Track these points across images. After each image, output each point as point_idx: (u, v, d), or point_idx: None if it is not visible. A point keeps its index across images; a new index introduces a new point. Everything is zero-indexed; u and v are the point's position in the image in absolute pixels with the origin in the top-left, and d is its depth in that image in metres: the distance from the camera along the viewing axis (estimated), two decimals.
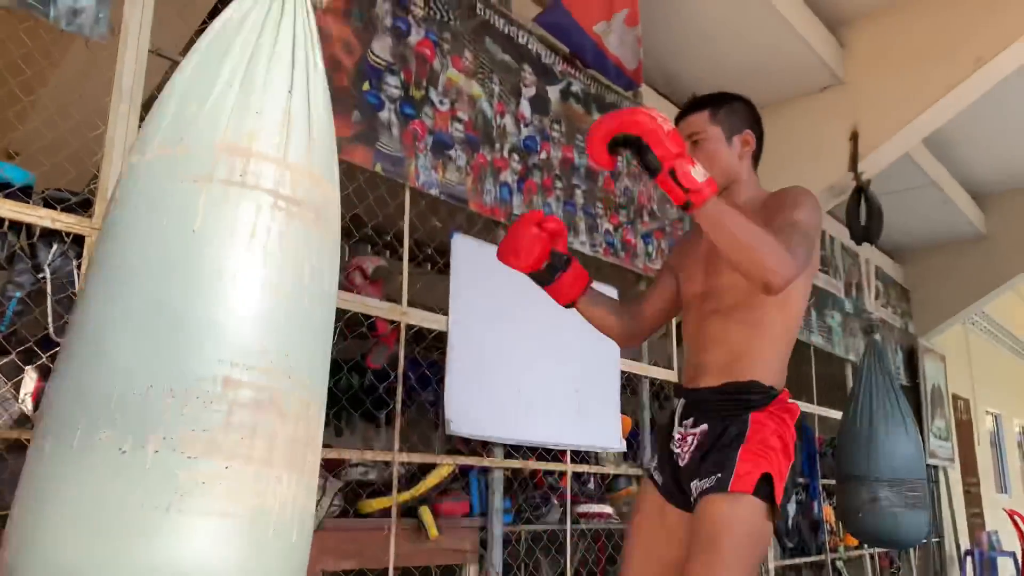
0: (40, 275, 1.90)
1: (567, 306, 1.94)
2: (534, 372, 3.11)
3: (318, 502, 2.40)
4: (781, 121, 4.62)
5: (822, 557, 5.30)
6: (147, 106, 2.12)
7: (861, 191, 4.44)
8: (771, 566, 4.44)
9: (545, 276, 1.87)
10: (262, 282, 1.20)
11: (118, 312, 1.15)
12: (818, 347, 5.58)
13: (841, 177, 4.41)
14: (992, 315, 9.78)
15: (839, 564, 5.62)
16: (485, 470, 2.98)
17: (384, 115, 2.69)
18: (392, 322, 2.72)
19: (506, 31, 3.28)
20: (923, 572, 6.84)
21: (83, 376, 1.13)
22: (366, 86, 2.64)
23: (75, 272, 1.91)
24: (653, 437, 1.97)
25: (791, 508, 5.16)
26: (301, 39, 1.40)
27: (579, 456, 3.35)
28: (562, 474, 3.28)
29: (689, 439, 1.76)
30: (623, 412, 3.56)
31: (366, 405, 2.84)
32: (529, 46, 3.39)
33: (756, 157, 1.93)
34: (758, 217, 1.70)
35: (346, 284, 2.68)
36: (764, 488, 1.60)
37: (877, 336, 4.75)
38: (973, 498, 8.09)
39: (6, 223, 1.81)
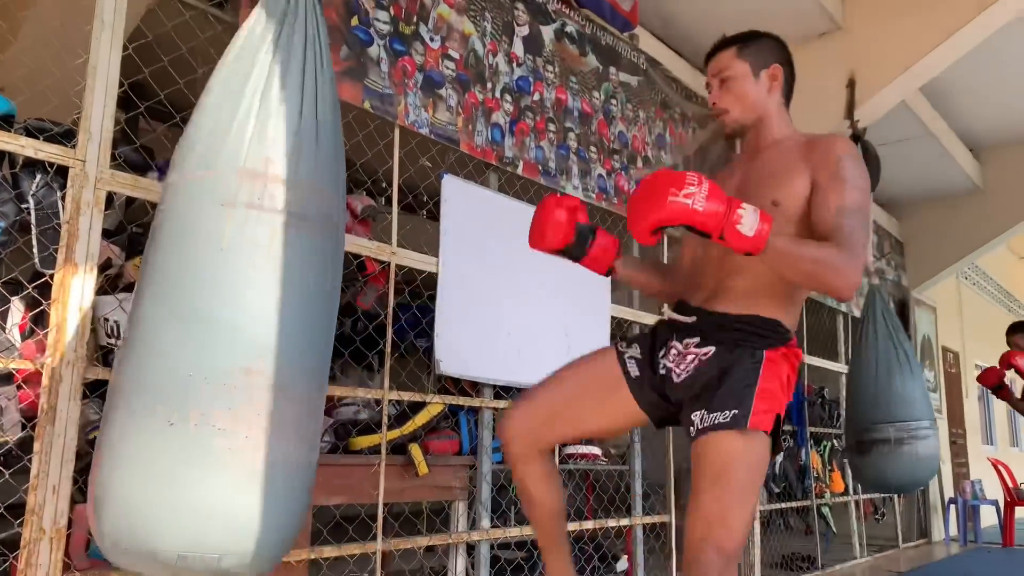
0: (24, 206, 1.88)
1: (607, 274, 1.96)
2: (524, 314, 3.13)
3: None
4: None
5: (807, 502, 5.40)
6: (132, 38, 2.09)
7: (857, 139, 4.39)
8: (756, 509, 4.52)
9: (577, 250, 1.89)
10: (276, 290, 1.52)
11: (165, 315, 1.50)
12: (810, 298, 5.60)
13: (837, 125, 4.37)
14: (984, 269, 9.81)
15: (824, 510, 5.72)
16: (475, 409, 3.01)
17: (373, 51, 2.65)
18: (382, 262, 2.72)
19: None
20: (907, 519, 6.98)
21: (141, 364, 1.49)
22: (355, 21, 2.60)
23: (59, 203, 1.90)
24: (642, 334, 1.95)
25: (778, 455, 5.24)
26: (312, 47, 1.66)
27: None
28: None
29: (690, 357, 1.76)
30: None
31: (356, 344, 2.84)
32: None
33: (788, 93, 1.91)
34: (798, 163, 1.74)
35: None
36: (775, 427, 1.65)
37: (876, 281, 4.76)
38: (959, 448, 8.22)
39: None
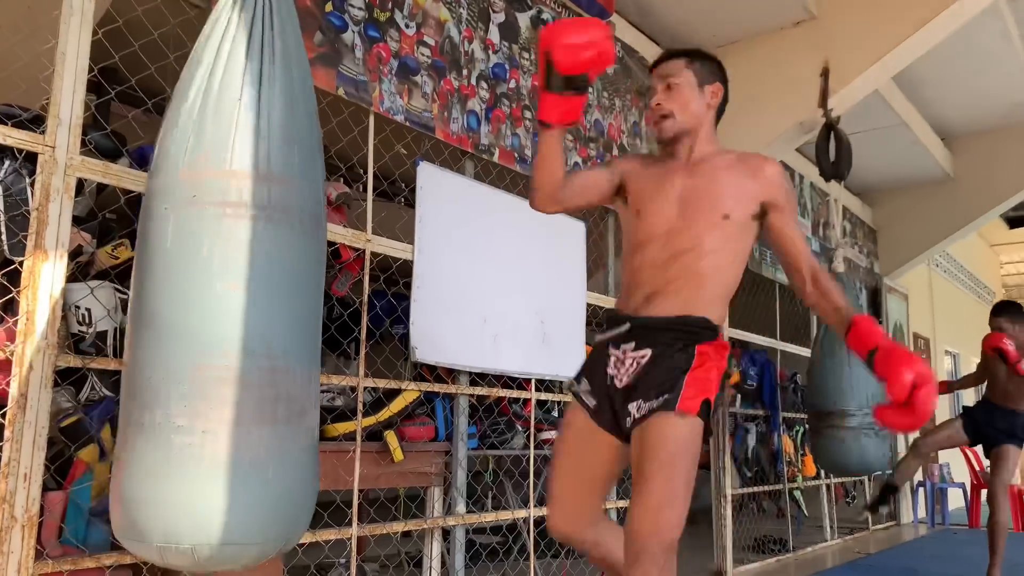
0: None
1: (551, 125, 1.81)
2: (500, 302, 3.14)
3: None
4: (753, 55, 4.60)
5: (780, 486, 5.49)
6: (102, 22, 2.07)
7: (830, 128, 4.44)
8: (728, 493, 4.59)
9: (582, 83, 1.74)
10: (218, 282, 1.53)
11: (134, 324, 1.58)
12: (783, 284, 5.67)
13: (811, 113, 4.41)
14: (955, 256, 9.97)
15: (796, 493, 5.82)
16: (450, 396, 3.03)
17: (348, 37, 2.64)
18: (357, 249, 2.72)
19: None
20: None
21: (126, 373, 1.59)
22: (329, 6, 2.58)
23: (28, 190, 1.88)
24: (586, 361, 1.99)
25: (751, 439, 5.32)
26: (266, 28, 1.63)
27: (543, 384, 3.41)
28: (526, 401, 3.34)
29: (628, 361, 1.84)
30: (589, 344, 3.62)
31: (331, 331, 2.84)
32: None
33: (719, 115, 2.01)
34: (746, 182, 1.88)
35: None
36: (704, 411, 1.74)
37: (839, 266, 4.81)
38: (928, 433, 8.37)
39: None
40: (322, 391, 2.79)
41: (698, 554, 4.82)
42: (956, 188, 7.17)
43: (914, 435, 4.95)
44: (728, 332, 4.78)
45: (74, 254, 2.02)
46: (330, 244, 2.66)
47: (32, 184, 1.87)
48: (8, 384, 1.80)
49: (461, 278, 2.99)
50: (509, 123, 3.29)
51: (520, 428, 3.32)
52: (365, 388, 2.67)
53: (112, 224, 2.17)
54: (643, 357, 1.83)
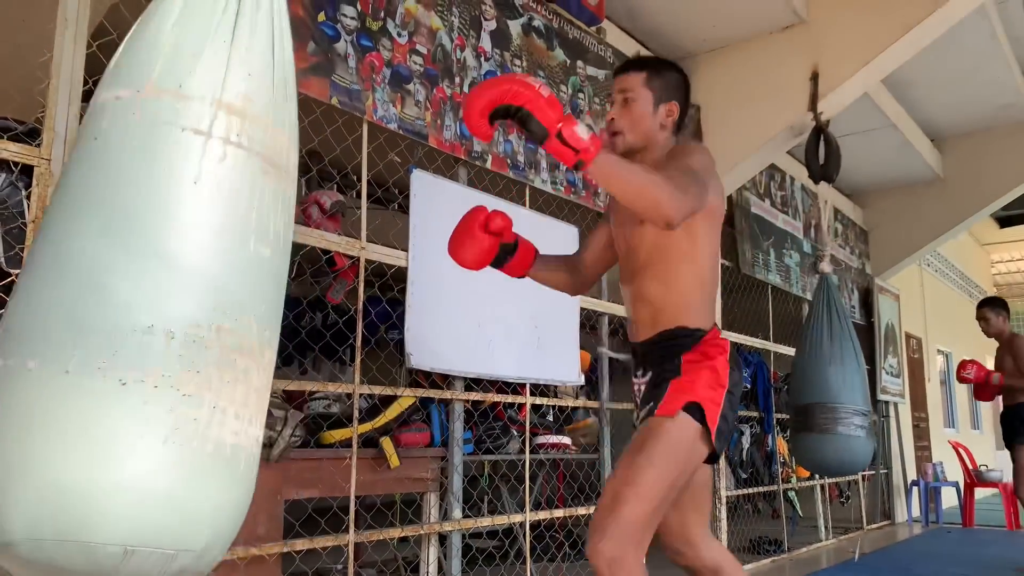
0: None
1: (519, 277, 2.08)
2: (494, 308, 3.16)
3: (279, 433, 2.44)
4: (742, 59, 4.63)
5: (774, 487, 5.52)
6: (96, 35, 2.08)
7: (820, 131, 4.48)
8: (724, 495, 4.62)
9: (496, 264, 2.01)
10: (252, 240, 1.31)
11: (115, 251, 1.21)
12: (776, 286, 5.70)
13: (800, 117, 4.44)
14: (946, 256, 10.03)
15: (791, 494, 5.85)
16: (446, 402, 3.04)
17: (340, 46, 2.66)
18: (351, 257, 2.73)
19: None
20: (871, 501, 7.15)
21: (78, 305, 1.18)
22: (321, 16, 2.60)
23: (24, 202, 1.89)
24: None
25: (745, 440, 5.34)
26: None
27: (538, 389, 3.43)
28: (521, 406, 3.36)
29: (640, 388, 1.93)
30: (583, 348, 3.64)
31: (327, 339, 2.86)
32: None
33: (679, 126, 2.00)
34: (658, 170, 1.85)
35: (303, 219, 2.68)
36: (693, 412, 1.75)
37: (826, 267, 4.84)
38: (921, 432, 8.42)
39: None
40: (317, 398, 2.80)
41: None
42: (946, 188, 7.23)
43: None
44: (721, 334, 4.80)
45: None
46: (325, 252, 2.68)
47: (28, 197, 1.88)
48: None
49: (455, 284, 3.01)
50: (501, 130, 3.31)
51: (515, 433, 3.34)
52: (361, 395, 2.68)
53: None
54: (647, 382, 1.90)
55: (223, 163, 1.29)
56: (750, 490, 5.25)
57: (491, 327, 3.14)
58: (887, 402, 7.43)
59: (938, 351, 9.91)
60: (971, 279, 11.47)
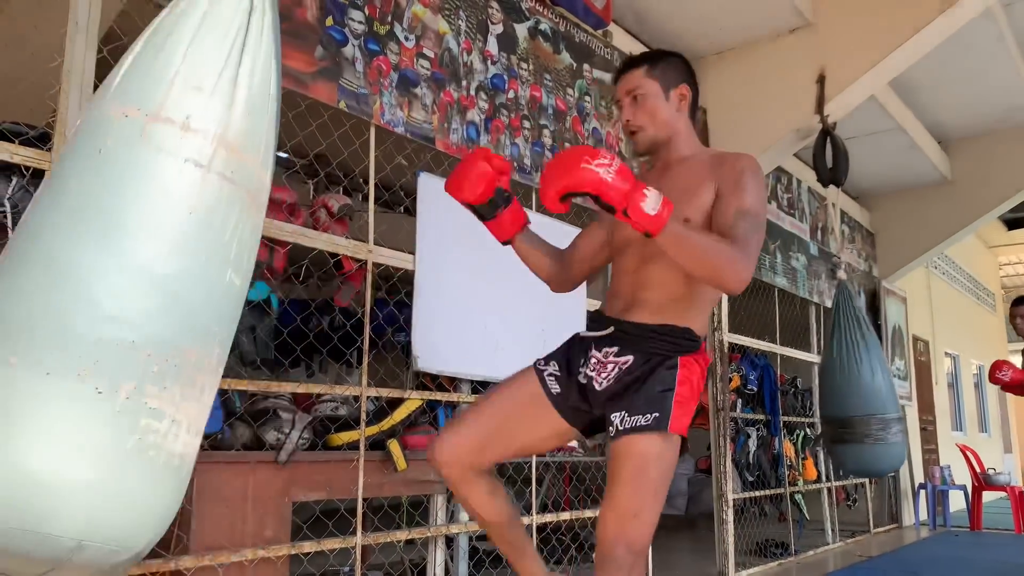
0: (1, 209, 1.89)
1: (504, 243, 2.00)
2: (500, 311, 3.17)
3: (287, 435, 2.46)
4: (749, 62, 4.63)
5: (781, 490, 5.51)
6: (105, 40, 2.10)
7: (827, 134, 4.47)
8: (730, 497, 4.61)
9: (487, 210, 1.92)
10: (230, 269, 1.41)
11: (111, 267, 1.29)
12: (783, 288, 5.70)
13: (807, 120, 4.44)
14: (953, 258, 10.00)
15: (797, 497, 5.84)
16: (453, 404, 3.05)
17: (348, 51, 2.67)
18: (359, 260, 2.74)
19: None
20: (878, 504, 7.13)
21: (67, 312, 1.25)
22: (329, 21, 2.62)
23: None
24: (558, 349, 1.98)
25: (752, 443, 5.34)
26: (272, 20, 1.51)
27: None
28: None
29: (610, 367, 1.83)
30: None
31: (334, 342, 2.87)
32: None
33: (693, 111, 1.98)
34: (706, 179, 1.82)
35: (312, 222, 2.69)
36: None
37: (843, 275, 4.85)
38: (929, 435, 8.39)
39: None
40: (326, 400, 2.82)
41: (700, 558, 4.85)
42: (954, 191, 7.21)
43: None
44: (727, 337, 4.81)
45: None
46: (332, 255, 2.70)
47: None
48: None
49: (462, 287, 3.02)
50: (508, 133, 3.32)
51: None
52: (368, 397, 2.69)
53: None
54: (625, 363, 1.81)
55: (217, 197, 1.38)
56: (757, 493, 5.24)
57: (497, 330, 3.14)
58: None
59: (945, 354, 9.87)
60: (979, 281, 11.44)
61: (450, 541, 3.02)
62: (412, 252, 2.87)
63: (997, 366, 4.88)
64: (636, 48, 4.28)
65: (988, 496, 7.80)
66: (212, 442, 2.34)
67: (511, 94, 3.35)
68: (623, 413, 1.75)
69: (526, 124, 3.42)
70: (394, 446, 2.74)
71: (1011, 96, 6.11)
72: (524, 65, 3.44)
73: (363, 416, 2.64)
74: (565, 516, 3.48)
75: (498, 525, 1.97)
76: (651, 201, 1.55)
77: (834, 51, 4.38)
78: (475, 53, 3.21)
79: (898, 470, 4.76)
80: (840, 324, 4.72)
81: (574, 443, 3.57)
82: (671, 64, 1.94)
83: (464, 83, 3.13)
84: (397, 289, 2.96)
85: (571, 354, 1.92)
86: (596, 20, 3.82)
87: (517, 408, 1.92)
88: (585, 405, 1.87)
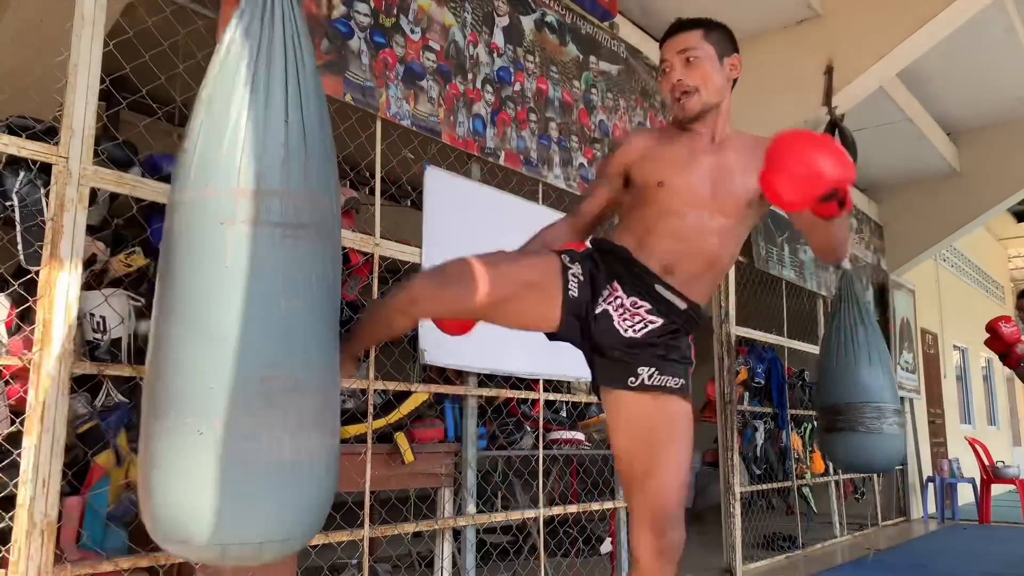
0: (8, 203, 1.90)
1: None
2: None
3: None
4: (757, 54, 4.60)
5: (789, 483, 5.50)
6: (112, 34, 2.10)
7: (835, 125, 4.44)
8: (737, 491, 4.60)
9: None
10: (281, 299, 1.58)
11: (184, 333, 1.56)
12: (790, 281, 5.68)
13: (815, 111, 4.42)
14: (962, 251, 9.95)
15: (805, 490, 5.83)
16: (459, 398, 3.05)
17: (354, 43, 2.66)
18: (365, 253, 2.74)
19: None
20: (886, 498, 7.11)
21: (170, 381, 1.56)
22: (335, 13, 2.61)
23: (43, 200, 1.91)
24: (586, 257, 1.91)
25: (759, 436, 5.33)
26: (292, 47, 1.65)
27: (551, 385, 3.43)
28: (535, 402, 3.36)
29: (637, 320, 1.80)
30: None
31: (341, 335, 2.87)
32: None
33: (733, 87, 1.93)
34: (753, 158, 1.77)
35: None
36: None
37: (846, 264, 4.81)
38: (937, 428, 8.36)
39: None
40: None
41: (707, 551, 4.84)
42: (963, 183, 7.17)
43: None
44: (735, 330, 4.80)
45: (88, 263, 2.05)
46: None
47: (47, 194, 1.90)
48: (26, 391, 1.83)
49: None
50: (514, 126, 3.31)
51: (529, 428, 3.35)
52: (375, 391, 2.70)
53: (124, 233, 2.20)
54: (653, 323, 1.80)
55: (245, 242, 1.55)
56: (764, 486, 5.23)
57: None
58: (903, 398, 7.38)
59: (954, 347, 9.84)
60: (988, 274, 11.38)
61: (457, 534, 3.03)
62: (419, 246, 2.87)
63: (1005, 319, 4.70)
64: (643, 40, 4.26)
65: (997, 489, 7.77)
66: None
67: (517, 87, 3.34)
68: (652, 370, 1.81)
69: (532, 117, 3.41)
70: (401, 439, 2.74)
71: (1021, 87, 6.07)
72: (530, 57, 3.43)
73: (370, 409, 2.65)
74: (572, 509, 3.48)
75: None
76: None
77: (842, 42, 4.36)
78: (481, 46, 3.20)
79: (894, 467, 4.61)
80: (839, 312, 4.67)
81: (581, 436, 3.57)
82: (726, 33, 1.91)
83: (470, 76, 3.12)
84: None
85: (596, 274, 1.85)
86: (603, 12, 3.80)
87: (528, 283, 1.81)
88: (584, 324, 1.82)
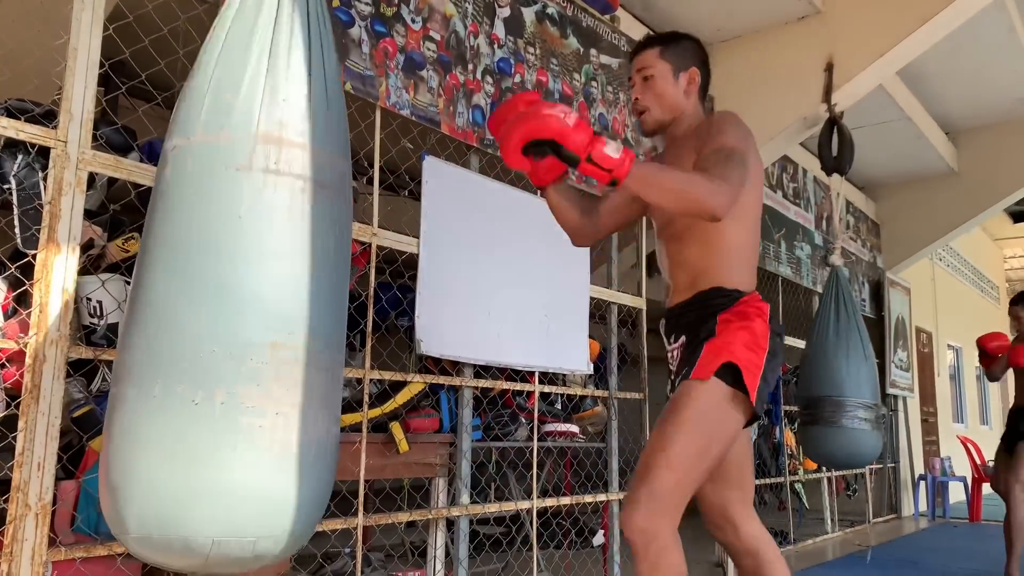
0: (6, 186, 1.89)
1: (539, 187, 1.94)
2: (504, 296, 3.17)
3: None
4: (757, 50, 4.61)
5: (781, 479, 5.53)
6: (112, 17, 2.09)
7: (834, 123, 4.45)
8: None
9: (536, 151, 1.75)
10: (298, 258, 1.42)
11: (180, 288, 1.37)
12: (786, 278, 5.69)
13: (814, 108, 4.42)
14: (959, 250, 9.97)
15: (797, 486, 5.86)
16: (455, 389, 3.06)
17: (354, 32, 2.66)
18: (363, 243, 2.74)
19: None
20: (878, 495, 7.15)
21: (156, 341, 1.37)
22: (336, 2, 2.60)
23: (41, 184, 1.91)
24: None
25: (752, 432, 5.34)
26: (315, 11, 1.53)
27: (547, 377, 3.44)
28: (530, 394, 3.37)
29: (675, 354, 1.91)
30: (592, 337, 3.64)
31: None
32: None
33: (704, 92, 2.01)
34: (692, 141, 1.85)
35: None
36: (726, 375, 1.70)
37: (837, 260, 4.80)
38: (930, 427, 8.40)
39: None
40: None
41: (699, 546, 4.86)
42: (960, 182, 7.18)
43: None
44: None
45: (85, 247, 2.04)
46: None
47: (45, 178, 1.90)
48: (22, 375, 1.83)
49: (466, 271, 3.02)
50: None
51: (524, 420, 3.35)
52: (371, 380, 2.70)
53: (122, 218, 2.20)
54: (681, 345, 1.88)
55: (263, 192, 1.40)
56: (757, 482, 5.25)
57: (501, 315, 3.15)
58: (896, 396, 7.41)
59: (948, 346, 9.87)
60: (983, 274, 11.41)
61: (451, 524, 3.04)
62: (416, 236, 2.87)
63: (994, 336, 4.78)
64: (643, 34, 4.25)
65: (988, 488, 7.81)
66: None
67: (517, 78, 3.34)
68: (676, 381, 1.84)
69: None
70: (396, 428, 2.75)
71: (1020, 88, 6.08)
72: (531, 49, 3.43)
73: (366, 398, 2.65)
74: (566, 501, 3.49)
75: None
76: (611, 146, 1.53)
77: (843, 39, 4.36)
78: (482, 36, 3.19)
79: (861, 463, 4.59)
80: (823, 307, 4.68)
81: (575, 429, 3.58)
82: (684, 46, 1.97)
83: (470, 66, 3.12)
84: (401, 273, 2.96)
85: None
86: (604, 5, 3.80)
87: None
88: None
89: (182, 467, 1.31)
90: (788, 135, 4.63)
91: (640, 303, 3.94)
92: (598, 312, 3.86)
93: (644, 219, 3.95)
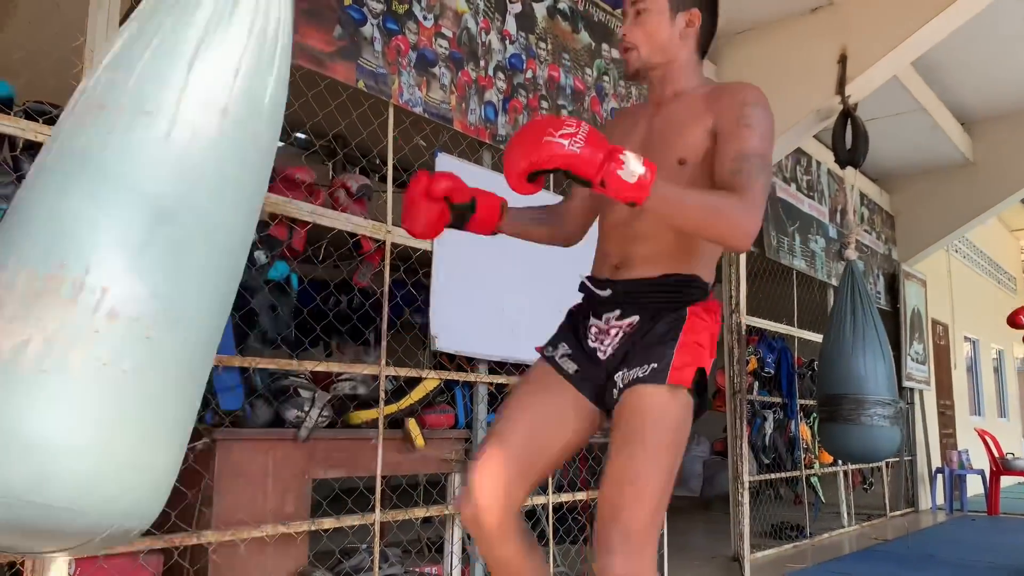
0: None
1: (492, 234, 1.84)
2: (518, 292, 3.17)
3: (307, 413, 2.48)
4: (770, 42, 4.58)
5: (797, 473, 5.51)
6: (127, 18, 2.10)
7: (848, 115, 4.42)
8: (746, 480, 4.61)
9: (457, 226, 1.75)
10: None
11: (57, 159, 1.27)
12: (800, 271, 5.66)
13: (828, 100, 4.39)
14: (974, 242, 9.89)
15: (813, 480, 5.83)
16: (470, 384, 3.07)
17: (367, 30, 2.67)
18: (377, 240, 2.75)
19: None
20: (894, 488, 7.11)
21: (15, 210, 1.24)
22: (348, 0, 2.61)
23: None
24: (560, 329, 1.82)
25: (768, 426, 5.33)
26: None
27: None
28: None
29: (613, 332, 1.65)
30: None
31: (353, 321, 2.89)
32: None
33: (704, 43, 1.77)
34: (702, 114, 1.62)
35: (331, 202, 2.70)
36: (698, 382, 1.56)
37: (852, 254, 4.77)
38: (947, 419, 8.34)
39: None
40: (344, 379, 2.84)
41: (715, 540, 4.86)
42: (976, 173, 7.11)
43: None
44: (745, 319, 4.79)
45: None
46: (351, 235, 2.71)
47: None
48: None
49: (479, 268, 3.02)
50: (526, 113, 3.30)
51: None
52: (387, 377, 2.71)
53: None
54: (630, 325, 1.63)
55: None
56: (772, 475, 5.24)
57: (515, 311, 3.15)
58: (912, 389, 7.36)
59: (965, 338, 9.80)
60: (1000, 265, 11.31)
61: None
62: None
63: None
64: None
65: (1006, 481, 7.76)
66: (233, 420, 2.38)
67: (529, 74, 3.34)
68: (623, 371, 1.58)
69: (544, 104, 3.40)
70: (412, 425, 2.76)
71: None
72: (542, 45, 3.42)
73: (382, 395, 2.67)
74: (581, 496, 3.50)
75: None
76: (630, 166, 1.34)
77: (856, 30, 4.32)
78: (493, 32, 3.19)
79: (879, 459, 4.56)
80: (839, 303, 4.66)
81: None
82: None
83: (482, 63, 3.12)
84: (415, 270, 2.97)
85: (576, 328, 1.74)
86: None
87: (542, 407, 1.68)
88: (597, 380, 1.66)
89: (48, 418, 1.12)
90: (801, 128, 4.60)
91: None
92: None
93: None
